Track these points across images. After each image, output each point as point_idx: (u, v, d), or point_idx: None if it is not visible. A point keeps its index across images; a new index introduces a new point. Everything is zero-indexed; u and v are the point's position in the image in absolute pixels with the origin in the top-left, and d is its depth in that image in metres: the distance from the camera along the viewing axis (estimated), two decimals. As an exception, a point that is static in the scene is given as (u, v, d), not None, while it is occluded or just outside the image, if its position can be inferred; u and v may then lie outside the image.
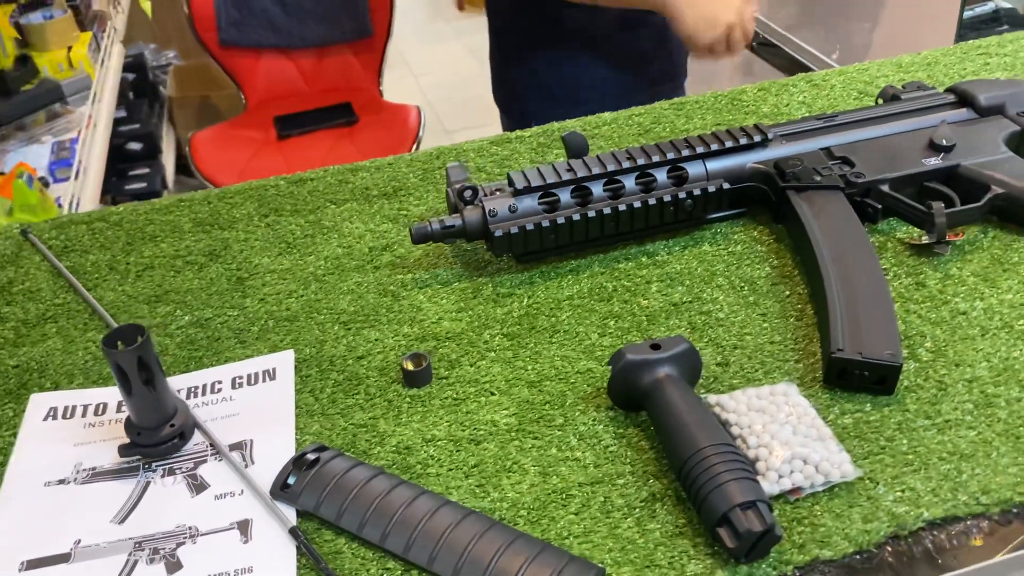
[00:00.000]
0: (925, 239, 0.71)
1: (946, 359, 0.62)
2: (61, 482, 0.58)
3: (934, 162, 0.75)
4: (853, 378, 0.60)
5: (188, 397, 0.63)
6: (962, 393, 0.60)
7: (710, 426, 0.54)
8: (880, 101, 0.84)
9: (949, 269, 0.70)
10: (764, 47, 2.20)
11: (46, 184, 1.46)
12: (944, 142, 0.75)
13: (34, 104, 1.75)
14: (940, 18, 2.01)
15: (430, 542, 0.51)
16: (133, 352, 0.55)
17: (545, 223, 0.71)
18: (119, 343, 0.56)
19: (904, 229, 0.75)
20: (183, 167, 2.51)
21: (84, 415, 0.63)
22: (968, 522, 0.52)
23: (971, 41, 1.03)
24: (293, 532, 0.53)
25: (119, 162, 2.32)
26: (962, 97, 0.81)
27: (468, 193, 0.72)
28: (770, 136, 0.76)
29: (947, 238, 0.70)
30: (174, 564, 0.52)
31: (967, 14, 1.81)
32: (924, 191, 0.75)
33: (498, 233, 0.71)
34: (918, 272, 0.70)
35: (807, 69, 1.90)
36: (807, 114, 0.91)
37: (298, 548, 0.52)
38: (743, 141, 0.75)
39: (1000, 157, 0.75)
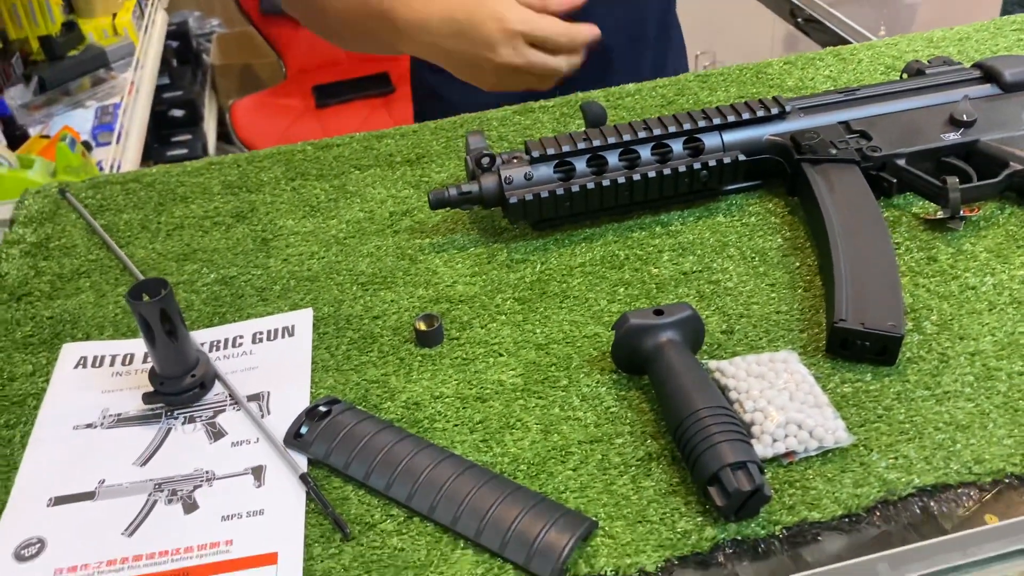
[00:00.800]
0: (940, 214, 0.72)
1: (951, 332, 0.63)
2: (88, 426, 0.61)
3: (953, 137, 0.75)
4: (855, 348, 0.61)
5: (210, 350, 0.66)
6: (964, 366, 0.60)
7: (707, 389, 0.55)
8: (905, 76, 0.84)
9: (962, 244, 0.70)
10: (808, 23, 2.17)
11: (89, 148, 1.51)
12: (964, 117, 0.75)
13: (79, 69, 1.79)
14: (987, -5, 1.98)
15: (432, 491, 0.53)
16: (156, 304, 0.58)
17: (560, 191, 0.73)
18: (144, 295, 0.59)
19: (920, 204, 0.75)
20: (224, 134, 2.55)
21: (112, 364, 0.66)
22: (959, 490, 0.53)
23: (1006, 17, 1.02)
24: (303, 478, 0.55)
25: (162, 128, 2.38)
26: (987, 72, 0.80)
27: (485, 160, 0.74)
28: (788, 109, 0.76)
29: (962, 213, 0.70)
30: (191, 505, 0.55)
31: (1013, -9, 1.78)
32: (941, 166, 0.75)
33: (513, 200, 0.72)
34: (930, 247, 0.70)
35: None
36: (832, 88, 0.91)
37: (307, 493, 0.55)
38: (760, 113, 0.76)
39: (1021, 134, 0.75)
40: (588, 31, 0.91)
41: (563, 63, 0.90)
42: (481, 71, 0.90)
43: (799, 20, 2.22)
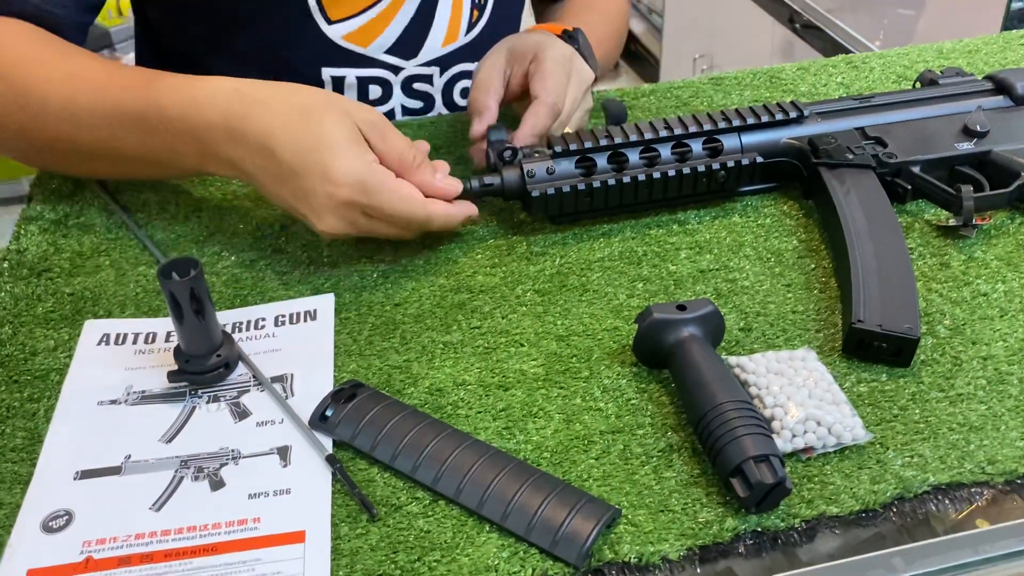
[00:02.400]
0: (952, 221, 0.73)
1: (963, 337, 0.64)
2: (113, 402, 0.61)
3: (966, 147, 0.76)
4: (871, 349, 0.62)
5: (233, 331, 0.67)
6: (976, 369, 0.62)
7: (729, 384, 0.57)
8: (918, 85, 0.86)
9: (974, 252, 0.72)
10: (806, 29, 2.19)
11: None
12: (978, 128, 0.77)
13: (92, 45, 1.78)
14: (987, 8, 2.00)
15: (458, 475, 0.54)
16: (187, 283, 0.58)
17: (581, 186, 0.74)
18: (173, 274, 0.59)
19: (932, 211, 0.76)
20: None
21: (135, 342, 0.66)
22: (972, 489, 0.54)
23: (1015, 31, 1.03)
24: (329, 459, 0.56)
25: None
26: (1000, 85, 0.82)
27: (508, 154, 0.74)
28: (806, 113, 0.77)
29: (974, 222, 0.72)
30: (217, 482, 0.56)
31: (1015, 5, 1.80)
32: (955, 175, 0.76)
33: (535, 194, 0.73)
34: (943, 253, 0.72)
35: (848, 53, 1.89)
36: (845, 95, 0.93)
37: (333, 474, 0.56)
38: (779, 116, 0.77)
39: (1033, 145, 0.76)
40: (456, 215, 0.70)
41: (413, 236, 0.71)
42: (305, 222, 0.68)
43: (797, 26, 2.24)
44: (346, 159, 0.64)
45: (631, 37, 3.26)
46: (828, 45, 2.05)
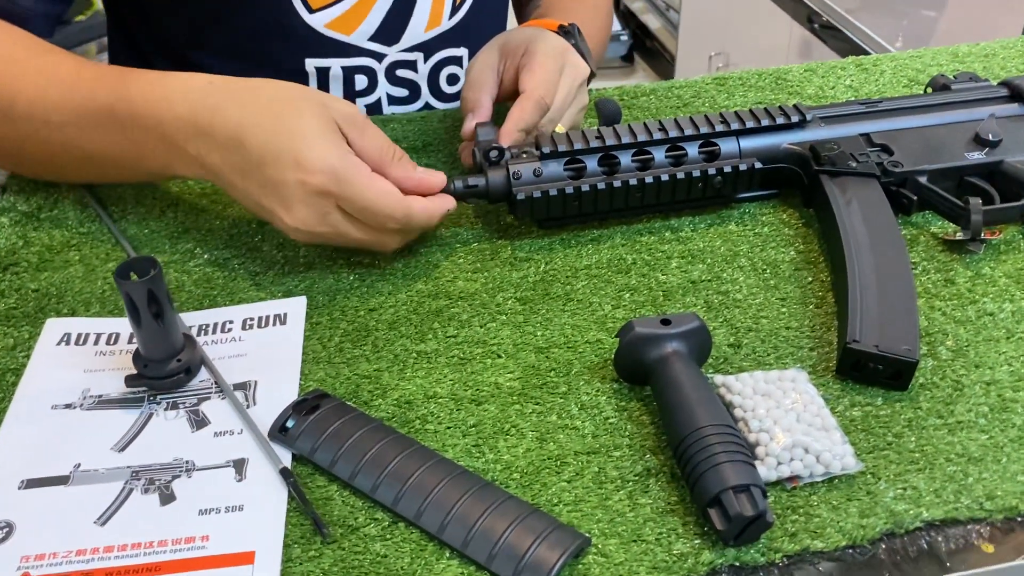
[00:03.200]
0: (959, 235, 0.69)
1: (966, 359, 0.60)
2: (68, 406, 0.59)
3: (977, 156, 0.72)
4: (867, 371, 0.58)
5: (199, 334, 0.64)
6: (979, 395, 0.58)
7: (712, 406, 0.53)
8: (929, 90, 0.82)
9: (981, 268, 0.68)
10: (825, 29, 2.15)
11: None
12: (990, 136, 0.73)
13: (87, 35, 1.77)
14: (1012, 12, 1.95)
15: (419, 496, 0.51)
16: (144, 284, 0.55)
17: (569, 190, 0.70)
18: (132, 274, 0.57)
19: (939, 223, 0.72)
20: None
21: (96, 343, 0.63)
22: (968, 526, 0.51)
23: (1034, 35, 0.99)
24: (284, 472, 0.53)
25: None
26: (1015, 92, 0.78)
27: (494, 153, 0.71)
28: (808, 117, 0.74)
29: (983, 236, 0.68)
30: (168, 496, 0.53)
31: (1039, 9, 1.75)
32: (964, 186, 0.73)
33: (520, 196, 0.70)
34: (948, 268, 0.68)
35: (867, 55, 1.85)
36: (853, 99, 0.89)
37: (289, 492, 0.53)
38: (780, 120, 0.73)
39: (1048, 157, 0.72)
40: (435, 209, 0.66)
41: (391, 242, 0.67)
42: (274, 222, 0.64)
43: (816, 26, 2.19)
44: (320, 147, 0.61)
45: (647, 33, 3.22)
46: (846, 46, 2.00)
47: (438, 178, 0.67)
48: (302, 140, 0.61)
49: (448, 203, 0.67)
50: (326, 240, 0.65)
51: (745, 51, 2.64)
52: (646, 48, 3.27)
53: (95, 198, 0.78)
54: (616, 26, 3.27)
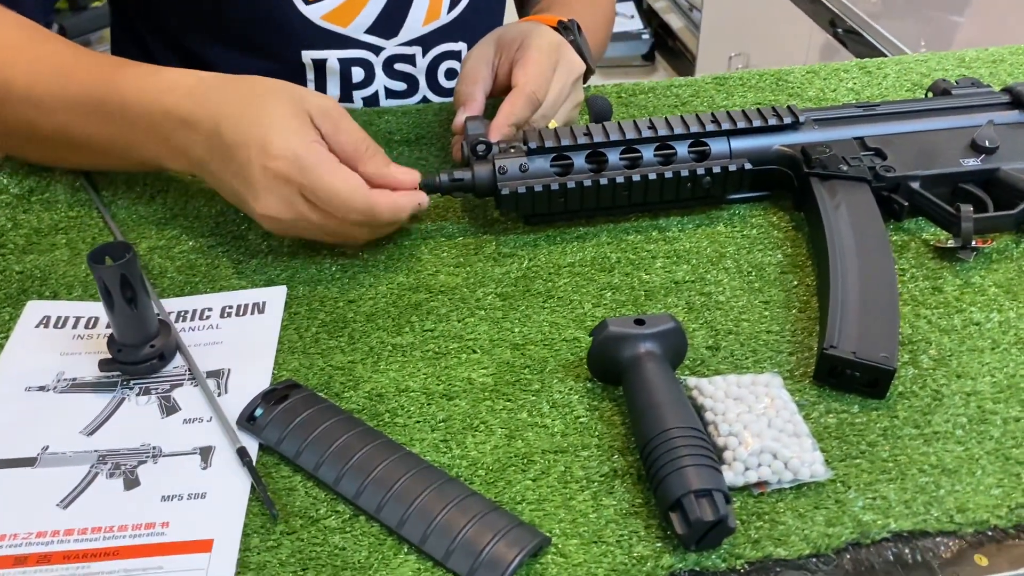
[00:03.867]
0: (951, 242, 0.68)
1: (948, 369, 0.59)
2: (41, 388, 0.59)
3: (973, 163, 0.71)
4: (844, 377, 0.57)
5: (177, 321, 0.64)
6: (958, 406, 0.57)
7: (681, 408, 0.52)
8: (930, 94, 0.80)
9: (971, 276, 0.67)
10: (848, 34, 2.12)
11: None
12: (987, 143, 0.71)
13: (102, 21, 1.78)
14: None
15: (381, 490, 0.51)
16: (117, 268, 0.55)
17: (555, 186, 0.70)
18: (107, 258, 0.57)
19: (931, 230, 0.71)
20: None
21: (75, 327, 0.64)
22: (937, 539, 0.50)
23: (1044, 41, 0.97)
24: (240, 451, 0.53)
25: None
26: (1017, 98, 0.77)
27: (481, 148, 0.71)
28: (801, 119, 0.73)
29: (973, 244, 0.67)
30: (132, 481, 0.53)
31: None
32: (958, 193, 0.71)
33: (505, 191, 0.69)
34: (937, 276, 0.67)
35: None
36: (853, 101, 0.87)
37: (252, 483, 0.52)
38: (772, 121, 0.72)
39: (1046, 165, 0.71)
40: (402, 204, 0.65)
41: (359, 236, 0.67)
42: (247, 212, 0.66)
43: (838, 30, 2.17)
44: (285, 133, 0.62)
45: (668, 32, 3.20)
46: (867, 51, 1.98)
47: (411, 176, 0.67)
48: (269, 127, 0.62)
49: (418, 198, 0.67)
50: (296, 231, 0.66)
51: (766, 53, 2.62)
52: (667, 47, 3.25)
53: (88, 181, 0.78)
54: (638, 25, 3.26)
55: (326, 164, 0.62)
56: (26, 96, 0.71)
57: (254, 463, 0.53)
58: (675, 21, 3.20)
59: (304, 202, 0.63)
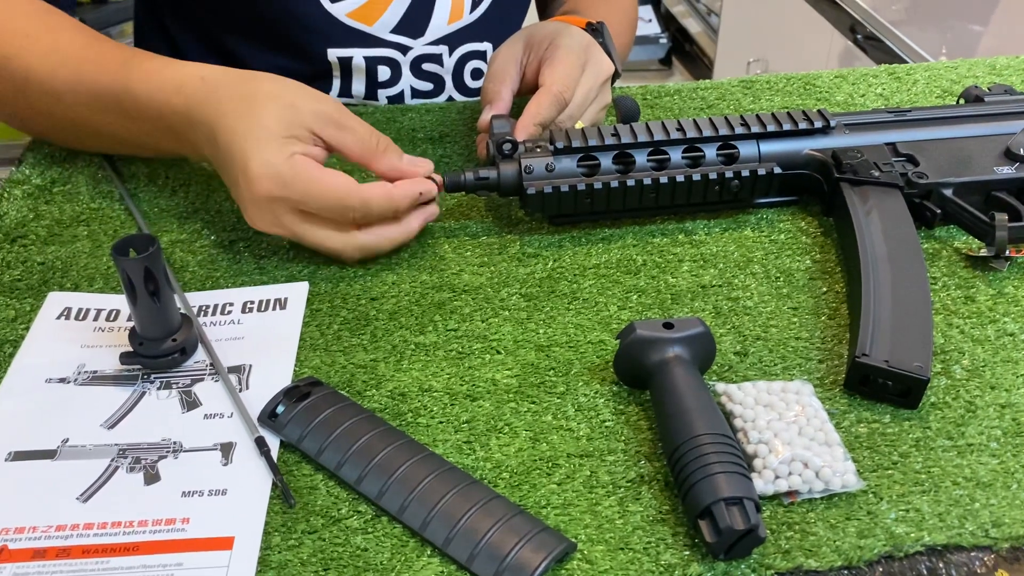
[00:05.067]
0: (983, 252, 0.67)
1: (981, 380, 0.58)
2: (62, 380, 0.58)
3: (1007, 171, 0.70)
4: (876, 386, 0.56)
5: (198, 315, 0.63)
6: (992, 418, 0.56)
7: (711, 414, 0.52)
8: (962, 101, 0.79)
9: (1004, 287, 0.66)
10: (868, 40, 2.11)
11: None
12: (1022, 151, 0.70)
13: (124, 15, 1.78)
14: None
15: (404, 491, 0.50)
16: (141, 261, 0.55)
17: (581, 186, 0.69)
18: (131, 251, 0.56)
19: (963, 238, 0.70)
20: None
21: (96, 319, 0.63)
22: (972, 553, 0.49)
23: (1077, 50, 0.96)
24: (258, 441, 0.52)
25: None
26: (1051, 106, 0.75)
27: (507, 146, 0.70)
28: (832, 124, 0.72)
29: (1007, 253, 0.66)
30: (153, 476, 0.52)
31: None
32: (991, 201, 0.70)
33: (531, 191, 0.68)
34: (969, 285, 0.66)
35: (904, 66, 1.80)
36: (882, 107, 0.86)
37: (273, 480, 0.52)
38: (802, 125, 0.71)
39: (1081, 175, 0.70)
40: (401, 191, 0.64)
41: (358, 238, 0.65)
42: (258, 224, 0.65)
43: (859, 36, 2.15)
44: (265, 152, 0.61)
45: (686, 36, 3.19)
46: (888, 57, 1.96)
47: (424, 166, 0.67)
48: (253, 144, 0.61)
49: (420, 185, 0.65)
50: (294, 239, 0.66)
51: (784, 59, 2.61)
52: (685, 52, 3.24)
53: (114, 170, 0.78)
54: (655, 29, 3.25)
55: (308, 173, 0.61)
56: (45, 87, 0.71)
57: (274, 457, 0.53)
58: (693, 26, 3.19)
59: (295, 216, 0.63)
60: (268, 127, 0.62)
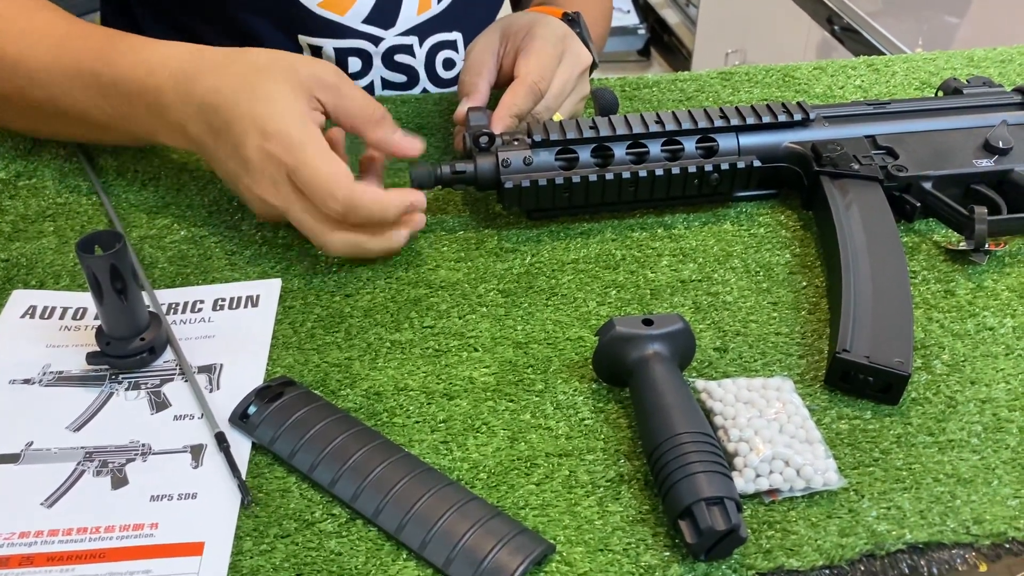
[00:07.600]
0: (963, 245, 0.67)
1: (962, 375, 0.58)
2: (26, 381, 0.57)
3: (986, 164, 0.70)
4: (856, 382, 0.56)
5: (168, 313, 0.62)
6: (972, 413, 0.55)
7: (691, 412, 0.51)
8: (940, 94, 0.79)
9: (983, 280, 0.65)
10: (845, 32, 2.11)
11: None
12: (1000, 144, 0.70)
13: (91, 4, 1.75)
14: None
15: (379, 493, 0.49)
16: (107, 258, 0.53)
17: (559, 180, 0.68)
18: (96, 248, 0.54)
19: (942, 232, 0.70)
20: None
21: (62, 317, 0.61)
22: (953, 551, 0.48)
23: (1054, 42, 0.96)
24: (218, 436, 0.51)
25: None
26: (1030, 99, 0.75)
27: (484, 139, 0.69)
28: (812, 116, 0.71)
29: (987, 247, 0.65)
30: (120, 479, 0.51)
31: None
32: (970, 194, 0.70)
33: (508, 185, 0.67)
34: (949, 279, 0.65)
35: (881, 57, 1.81)
36: (862, 99, 0.86)
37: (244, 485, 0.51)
38: (782, 118, 0.70)
39: (1060, 167, 0.69)
40: (391, 200, 0.62)
41: (335, 234, 0.62)
42: (240, 193, 0.64)
43: (836, 28, 2.16)
44: (281, 113, 0.60)
45: (664, 27, 3.18)
46: (865, 49, 1.97)
47: (416, 145, 0.66)
48: (266, 104, 0.60)
49: (411, 196, 0.64)
50: (279, 215, 0.64)
51: (762, 50, 2.61)
52: (663, 43, 3.23)
53: (89, 163, 0.76)
54: (634, 20, 3.24)
55: (315, 146, 0.60)
56: (17, 68, 0.69)
57: (245, 458, 0.51)
58: (671, 16, 3.18)
59: (290, 186, 0.61)
60: (281, 91, 0.61)
